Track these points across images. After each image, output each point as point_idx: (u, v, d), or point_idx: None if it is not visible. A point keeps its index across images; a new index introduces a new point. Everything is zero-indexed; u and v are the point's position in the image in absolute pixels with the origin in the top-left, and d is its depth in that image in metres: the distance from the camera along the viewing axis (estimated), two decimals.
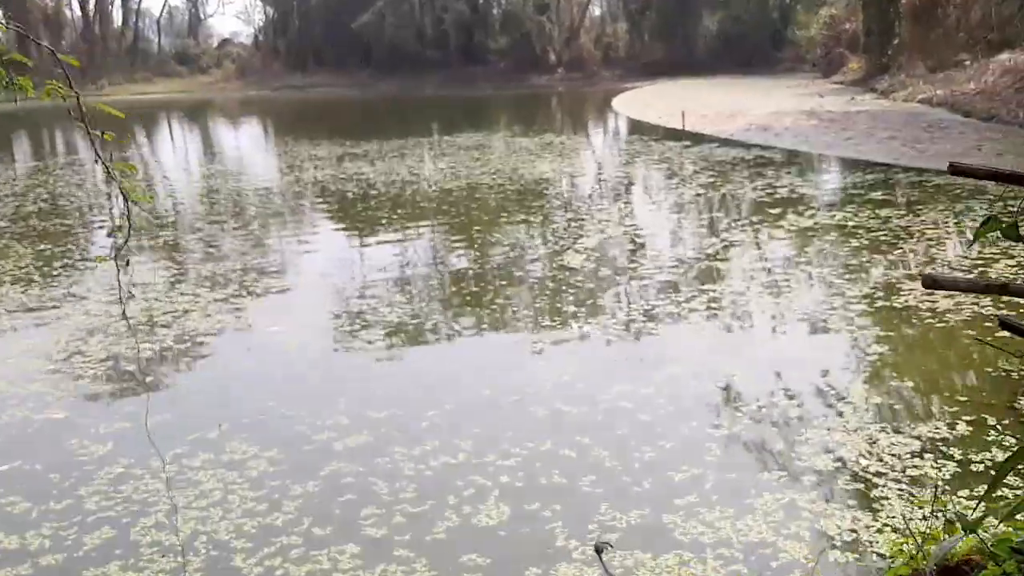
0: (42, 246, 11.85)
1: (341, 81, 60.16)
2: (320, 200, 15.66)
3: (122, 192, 2.61)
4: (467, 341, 7.65)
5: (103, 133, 2.55)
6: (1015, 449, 3.55)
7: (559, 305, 8.39)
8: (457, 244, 11.53)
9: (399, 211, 13.94)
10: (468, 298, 8.86)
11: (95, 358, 7.23)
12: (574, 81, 57.61)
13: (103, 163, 2.59)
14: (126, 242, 2.79)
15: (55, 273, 10.30)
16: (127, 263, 2.84)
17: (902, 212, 11.83)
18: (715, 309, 8.05)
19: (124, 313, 3.44)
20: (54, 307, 8.87)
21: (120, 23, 73.36)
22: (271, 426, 5.81)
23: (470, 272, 9.87)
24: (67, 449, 5.53)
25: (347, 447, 5.42)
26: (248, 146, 29.78)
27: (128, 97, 60.03)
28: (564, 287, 8.98)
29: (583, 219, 12.72)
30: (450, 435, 5.52)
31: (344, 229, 13.33)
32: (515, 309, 8.44)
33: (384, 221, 13.19)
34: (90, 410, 6.14)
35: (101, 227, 14.00)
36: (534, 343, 7.42)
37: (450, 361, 7.14)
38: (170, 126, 40.67)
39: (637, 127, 27.81)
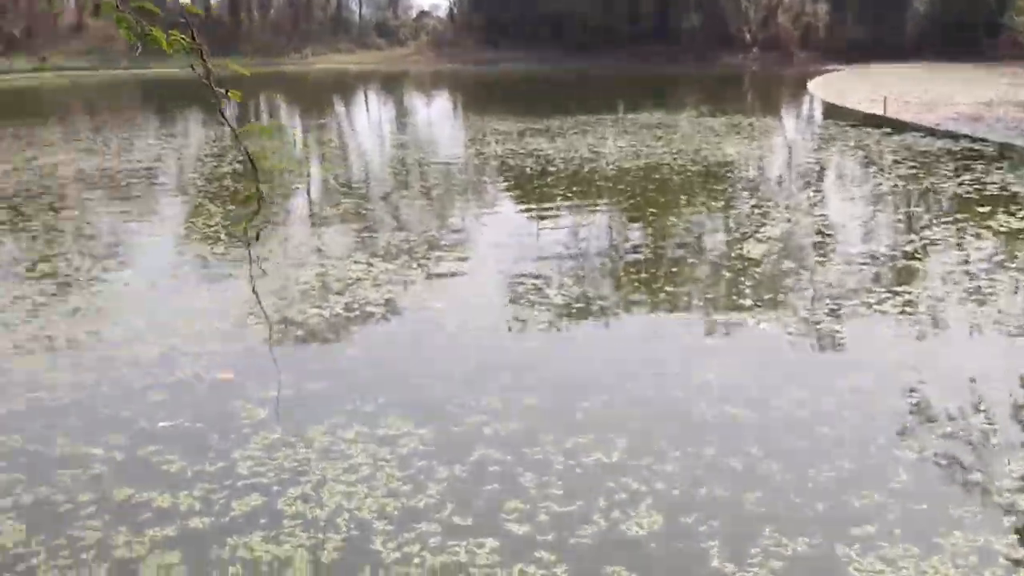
0: (232, 206, 12.35)
1: (531, 56, 60.43)
2: (498, 175, 15.61)
3: (248, 157, 2.44)
4: (634, 330, 7.30)
5: (227, 91, 2.39)
6: None
7: (736, 298, 7.90)
8: (632, 226, 11.16)
9: (575, 189, 13.67)
10: (639, 284, 8.50)
11: (269, 320, 7.37)
12: (768, 62, 55.52)
13: (227, 123, 2.43)
14: (257, 212, 2.63)
15: (240, 234, 10.66)
16: (257, 236, 2.67)
17: None
18: (910, 313, 7.34)
19: (254, 288, 3.30)
20: (235, 268, 9.16)
21: None
22: (425, 404, 5.69)
23: (643, 256, 9.48)
24: (229, 411, 5.61)
25: (497, 433, 5.22)
26: (436, 118, 30.30)
27: (329, 66, 62.67)
28: (743, 278, 8.46)
29: (768, 206, 12.04)
30: (606, 430, 5.21)
31: (519, 205, 13.20)
32: (688, 299, 8.02)
33: (559, 199, 12.95)
34: (256, 373, 6.23)
35: (295, 189, 14.49)
36: (706, 337, 6.99)
37: (613, 350, 6.81)
38: (366, 97, 42.03)
39: (833, 111, 26.34)
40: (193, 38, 2.18)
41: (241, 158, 17.68)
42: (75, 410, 5.67)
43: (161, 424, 5.43)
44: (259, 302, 3.65)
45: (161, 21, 2.20)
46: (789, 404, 5.57)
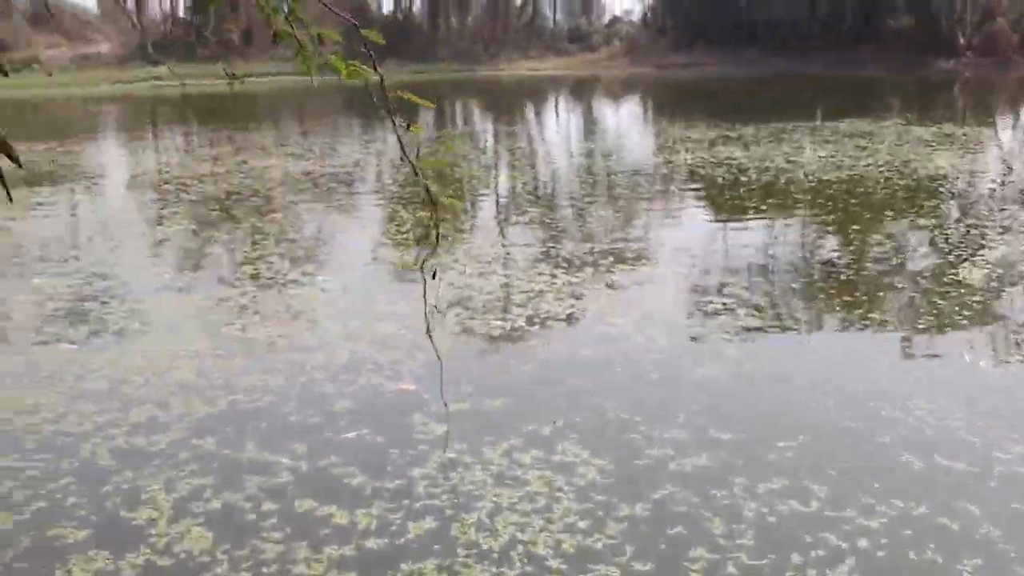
0: (421, 213, 12.56)
1: (726, 60, 58.90)
2: (688, 185, 15.17)
3: (429, 195, 2.31)
4: (833, 361, 6.77)
5: (409, 125, 2.27)
6: None
7: (949, 329, 7.22)
8: (831, 243, 10.50)
9: (769, 201, 13.06)
10: (838, 307, 7.94)
11: (449, 331, 7.38)
12: (983, 67, 51.61)
13: (408, 159, 2.30)
14: (434, 250, 2.50)
15: (429, 240, 10.82)
16: (434, 275, 2.54)
17: None
18: None
19: (428, 330, 3.18)
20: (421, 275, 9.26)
21: (520, 0, 77.50)
22: (605, 430, 5.47)
23: (843, 277, 8.87)
24: (409, 424, 5.60)
25: (682, 469, 4.93)
26: (625, 125, 30.00)
27: (521, 72, 63.53)
28: (957, 307, 7.73)
29: (985, 226, 11.04)
30: (802, 475, 4.81)
31: (708, 218, 12.75)
32: (894, 327, 7.39)
33: (752, 211, 12.41)
34: (436, 386, 6.19)
35: (483, 197, 14.65)
36: (916, 374, 6.40)
37: (810, 381, 6.32)
38: (556, 102, 42.24)
39: None
40: (375, 67, 2.07)
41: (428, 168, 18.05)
42: (266, 415, 5.82)
43: (344, 436, 5.49)
44: (433, 344, 3.54)
45: (344, 47, 2.11)
46: (1012, 457, 4.97)
